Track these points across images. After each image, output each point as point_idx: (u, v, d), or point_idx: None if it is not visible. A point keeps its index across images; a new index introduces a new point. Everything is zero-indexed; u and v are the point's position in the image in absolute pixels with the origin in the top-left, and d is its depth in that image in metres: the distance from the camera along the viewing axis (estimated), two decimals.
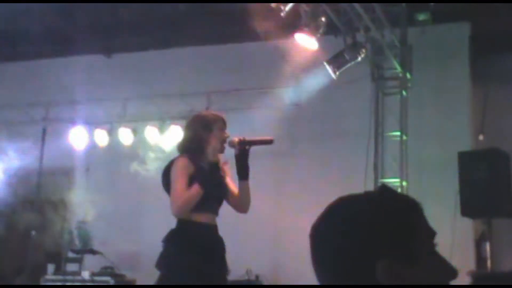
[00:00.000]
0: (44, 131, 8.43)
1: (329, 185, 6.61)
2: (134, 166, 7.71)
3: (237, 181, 3.78)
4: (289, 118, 7.42)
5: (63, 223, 8.48)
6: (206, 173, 3.59)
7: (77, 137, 8.23)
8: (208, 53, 8.22)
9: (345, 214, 1.11)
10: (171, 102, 7.94)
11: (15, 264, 8.48)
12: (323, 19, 5.98)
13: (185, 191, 3.58)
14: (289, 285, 6.92)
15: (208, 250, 3.63)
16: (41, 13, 7.53)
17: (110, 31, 7.96)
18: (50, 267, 7.59)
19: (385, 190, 1.15)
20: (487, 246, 6.22)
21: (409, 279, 1.06)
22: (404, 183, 6.98)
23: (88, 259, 7.67)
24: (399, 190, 6.87)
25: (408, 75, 7.23)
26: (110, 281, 7.19)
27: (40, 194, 8.35)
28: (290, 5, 5.53)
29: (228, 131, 3.81)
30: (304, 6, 5.89)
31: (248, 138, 3.71)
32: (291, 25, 6.04)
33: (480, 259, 6.62)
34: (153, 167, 6.95)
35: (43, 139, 8.36)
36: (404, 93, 7.23)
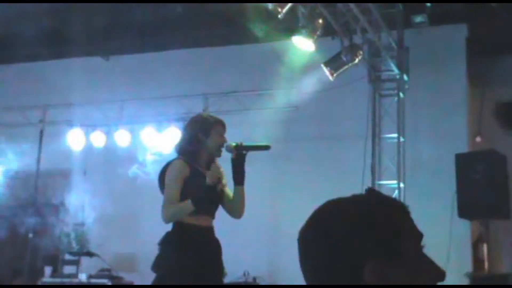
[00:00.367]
0: (41, 133, 8.42)
1: (326, 187, 6.61)
2: (132, 168, 7.71)
3: (232, 186, 3.78)
4: (286, 120, 7.42)
5: (60, 225, 8.47)
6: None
7: (75, 139, 8.22)
8: (205, 55, 8.23)
9: (332, 217, 1.12)
10: (168, 104, 7.95)
11: (12, 266, 8.46)
12: (320, 21, 5.98)
13: (177, 199, 3.58)
14: (286, 285, 6.92)
15: (204, 253, 3.63)
16: (38, 15, 7.52)
17: (108, 33, 7.95)
18: (48, 270, 7.58)
19: (372, 192, 1.16)
20: (485, 248, 6.22)
21: (397, 280, 1.07)
22: (401, 185, 6.99)
23: (85, 261, 7.67)
24: (396, 192, 6.88)
25: (405, 77, 7.24)
26: (107, 283, 7.19)
27: (37, 196, 8.33)
28: (287, 7, 5.53)
29: (226, 136, 3.81)
30: (301, 8, 5.89)
31: (245, 143, 3.71)
32: (289, 27, 6.04)
33: (477, 260, 6.62)
34: (151, 169, 6.95)
35: (40, 141, 8.36)
36: (401, 95, 7.24)
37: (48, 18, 7.66)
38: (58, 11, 7.56)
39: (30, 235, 8.06)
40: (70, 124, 8.26)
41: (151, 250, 3.72)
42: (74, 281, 7.27)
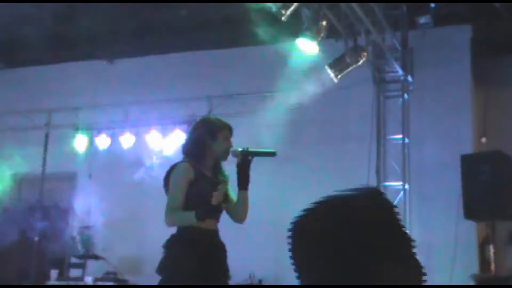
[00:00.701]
0: (46, 137, 8.44)
1: (331, 188, 6.56)
2: (136, 171, 7.72)
3: (236, 190, 3.78)
4: (291, 122, 7.41)
5: (66, 228, 8.49)
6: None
7: (79, 143, 8.24)
8: (209, 58, 8.23)
9: (332, 214, 1.12)
10: (173, 107, 7.96)
11: (20, 269, 8.49)
12: (324, 23, 5.98)
13: (182, 203, 3.59)
14: (290, 285, 6.90)
15: (209, 255, 3.63)
16: (43, 19, 7.55)
17: (112, 37, 7.97)
18: (54, 273, 7.60)
19: (369, 190, 1.15)
20: (491, 249, 6.20)
21: (398, 279, 1.06)
22: (406, 187, 6.97)
23: (91, 264, 7.68)
24: (401, 193, 6.86)
25: (409, 78, 7.23)
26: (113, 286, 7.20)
27: (43, 200, 8.36)
28: (291, 9, 5.53)
29: (232, 141, 3.80)
30: (305, 10, 5.89)
31: (251, 148, 3.71)
32: (293, 29, 6.04)
33: (484, 262, 6.60)
34: (155, 172, 6.95)
35: (45, 145, 8.38)
36: (405, 96, 7.23)
37: (52, 22, 7.69)
38: (63, 16, 7.59)
39: (36, 238, 8.08)
40: (75, 127, 8.28)
41: (157, 253, 3.73)
42: (80, 284, 7.29)
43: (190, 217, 3.54)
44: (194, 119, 7.58)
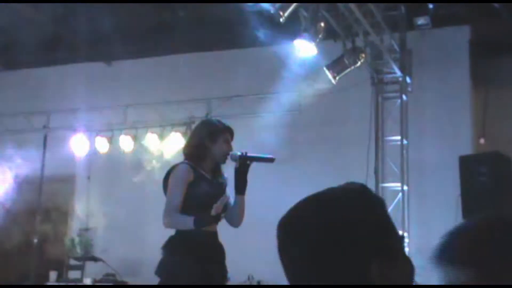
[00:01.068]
0: (45, 139, 8.44)
1: None
2: (135, 173, 7.72)
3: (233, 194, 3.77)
4: (289, 124, 7.42)
5: (65, 230, 8.48)
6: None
7: (78, 145, 8.24)
8: (208, 59, 8.23)
9: (317, 211, 1.11)
10: (171, 109, 7.95)
11: (18, 271, 8.48)
12: (322, 24, 5.98)
13: (180, 204, 3.58)
14: (286, 285, 6.90)
15: (208, 257, 3.63)
16: (41, 21, 7.54)
17: (110, 39, 7.96)
18: (53, 275, 7.59)
19: (361, 188, 1.14)
20: None
21: (396, 279, 1.06)
22: (405, 188, 6.97)
23: (90, 266, 7.67)
24: (400, 194, 6.86)
25: (408, 79, 7.23)
26: None
27: (41, 202, 8.35)
28: (289, 10, 5.53)
29: (232, 144, 3.80)
30: (303, 12, 5.89)
31: (250, 153, 3.71)
32: (291, 31, 6.04)
33: None
34: (154, 174, 6.95)
35: (44, 147, 8.38)
36: (404, 97, 7.23)
37: (50, 24, 7.69)
38: (61, 17, 7.59)
39: (35, 240, 8.08)
40: (73, 129, 8.28)
41: (156, 255, 3.72)
42: (79, 285, 7.28)
43: (188, 223, 3.54)
44: (193, 121, 7.59)
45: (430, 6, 6.93)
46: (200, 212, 3.57)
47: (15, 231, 8.41)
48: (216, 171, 3.80)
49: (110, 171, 8.25)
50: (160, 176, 3.90)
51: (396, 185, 6.98)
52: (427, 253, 1.26)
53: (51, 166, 8.29)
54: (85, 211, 8.39)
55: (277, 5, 5.48)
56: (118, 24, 7.52)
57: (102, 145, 8.15)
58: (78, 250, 7.84)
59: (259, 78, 7.63)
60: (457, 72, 7.40)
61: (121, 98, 8.30)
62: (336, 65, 6.55)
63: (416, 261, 1.13)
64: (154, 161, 7.70)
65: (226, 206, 3.64)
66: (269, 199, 7.18)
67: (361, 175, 6.79)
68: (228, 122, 3.94)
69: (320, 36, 5.99)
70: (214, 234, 3.74)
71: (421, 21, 7.06)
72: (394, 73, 7.20)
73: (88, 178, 8.48)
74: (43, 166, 8.29)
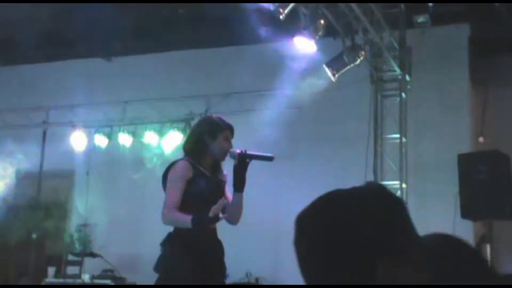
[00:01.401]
0: (44, 135, 8.44)
1: (328, 187, 6.58)
2: (134, 169, 7.72)
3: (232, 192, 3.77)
4: (288, 121, 7.42)
5: (63, 226, 8.49)
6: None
7: (77, 141, 8.24)
8: (207, 56, 8.23)
9: (333, 209, 1.11)
10: (170, 105, 7.95)
11: (17, 267, 8.49)
12: (322, 21, 5.98)
13: (179, 201, 3.58)
14: (288, 285, 6.92)
15: (206, 253, 3.63)
16: (40, 17, 7.53)
17: (110, 35, 7.96)
18: (51, 270, 7.59)
19: (376, 186, 1.15)
20: (488, 249, 6.21)
21: (407, 280, 1.06)
22: (403, 186, 6.98)
23: (89, 262, 7.67)
24: (398, 192, 6.87)
25: (407, 77, 7.23)
26: (110, 284, 7.20)
27: (40, 197, 8.35)
28: (289, 8, 5.53)
29: (232, 142, 3.80)
30: (302, 9, 5.89)
31: (249, 151, 3.70)
32: (290, 28, 6.04)
33: None
34: (153, 170, 6.96)
35: (43, 143, 8.38)
36: (403, 95, 7.23)
37: (50, 20, 7.68)
38: (60, 13, 7.58)
39: (34, 235, 8.08)
40: (73, 125, 8.28)
41: (154, 251, 3.73)
42: (77, 281, 7.28)
43: (186, 222, 3.54)
44: (192, 118, 7.60)
45: (430, 4, 6.93)
46: (199, 209, 3.56)
47: (14, 226, 8.41)
48: (216, 168, 3.80)
49: (109, 167, 8.26)
50: (159, 172, 3.90)
51: (395, 183, 6.98)
52: None
53: (50, 161, 8.30)
54: (84, 207, 8.40)
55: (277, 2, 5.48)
56: (118, 20, 7.51)
57: (101, 141, 8.15)
58: (77, 246, 7.85)
59: (259, 75, 7.63)
60: (456, 70, 7.40)
61: (120, 94, 8.30)
62: (335, 63, 6.54)
63: None
64: (152, 157, 7.70)
65: (224, 209, 3.64)
66: (268, 196, 7.20)
67: (360, 172, 6.80)
68: (227, 118, 3.94)
69: (319, 33, 5.99)
70: (213, 231, 3.74)
71: (420, 19, 7.06)
72: (394, 71, 7.20)
73: (87, 173, 8.48)
74: (42, 161, 8.30)
